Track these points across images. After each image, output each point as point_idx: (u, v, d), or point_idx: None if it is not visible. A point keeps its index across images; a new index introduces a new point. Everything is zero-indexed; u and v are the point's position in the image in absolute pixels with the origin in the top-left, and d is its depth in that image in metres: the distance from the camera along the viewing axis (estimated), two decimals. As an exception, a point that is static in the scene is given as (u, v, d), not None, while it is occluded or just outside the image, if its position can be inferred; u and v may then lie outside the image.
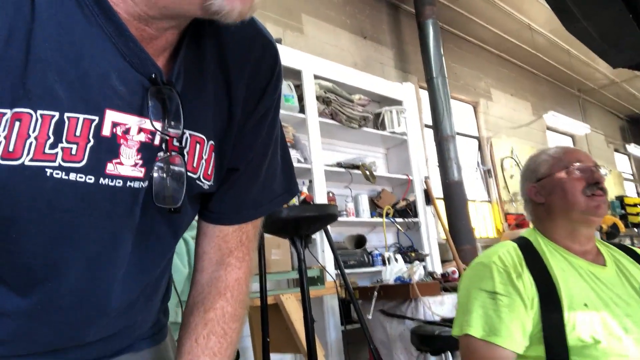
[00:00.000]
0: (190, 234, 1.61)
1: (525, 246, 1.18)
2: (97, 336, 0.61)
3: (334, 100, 3.30)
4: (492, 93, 6.36)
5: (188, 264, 1.74)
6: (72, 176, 0.49)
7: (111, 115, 0.51)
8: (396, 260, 3.00)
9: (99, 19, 0.49)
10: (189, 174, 0.59)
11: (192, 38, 0.58)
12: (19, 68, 0.46)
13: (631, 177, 9.59)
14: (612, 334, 1.03)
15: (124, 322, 0.64)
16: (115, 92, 0.51)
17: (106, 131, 0.51)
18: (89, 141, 0.49)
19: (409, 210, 3.60)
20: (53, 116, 0.47)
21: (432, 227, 3.66)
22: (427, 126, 4.81)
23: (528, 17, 5.73)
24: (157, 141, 0.55)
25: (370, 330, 2.17)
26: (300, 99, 3.14)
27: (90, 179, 0.50)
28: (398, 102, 3.80)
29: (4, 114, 0.45)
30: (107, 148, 0.51)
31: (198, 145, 0.60)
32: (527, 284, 1.08)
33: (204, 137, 0.61)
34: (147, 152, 0.54)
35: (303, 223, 1.82)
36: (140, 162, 0.54)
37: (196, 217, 0.72)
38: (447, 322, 2.29)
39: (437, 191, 4.24)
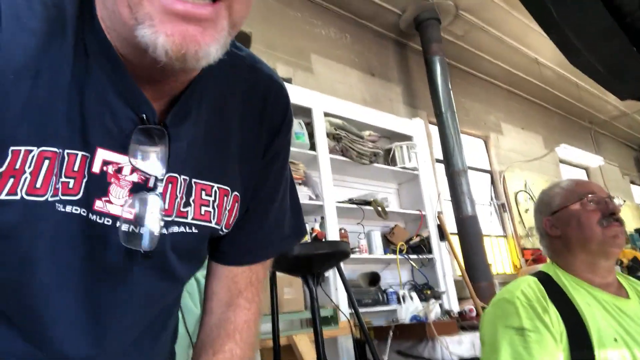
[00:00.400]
0: (202, 273, 1.59)
1: (546, 280, 1.15)
2: None
3: (344, 137, 3.32)
4: (502, 127, 6.36)
5: (200, 303, 1.71)
6: (69, 208, 0.50)
7: (102, 154, 0.51)
8: (411, 298, 2.92)
9: (99, 58, 0.51)
10: (214, 226, 0.60)
11: (204, 87, 0.58)
12: (42, 107, 0.47)
13: (649, 209, 9.39)
14: None
15: None
16: (108, 131, 0.52)
17: (96, 168, 0.51)
18: (85, 177, 0.50)
19: (423, 247, 3.54)
20: (59, 153, 0.49)
21: (447, 264, 3.58)
22: (438, 161, 4.80)
23: (534, 51, 5.78)
24: (151, 183, 0.55)
25: (386, 373, 2.09)
26: (311, 136, 3.16)
27: (84, 212, 0.51)
28: (408, 138, 3.81)
29: (31, 151, 0.47)
30: (97, 185, 0.51)
31: (225, 198, 0.61)
32: (554, 319, 1.05)
33: (229, 189, 0.62)
34: (140, 193, 0.54)
35: (315, 261, 1.79)
36: (131, 202, 0.54)
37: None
38: (467, 362, 2.20)
39: (451, 226, 4.18)
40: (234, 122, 0.62)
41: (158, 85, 0.54)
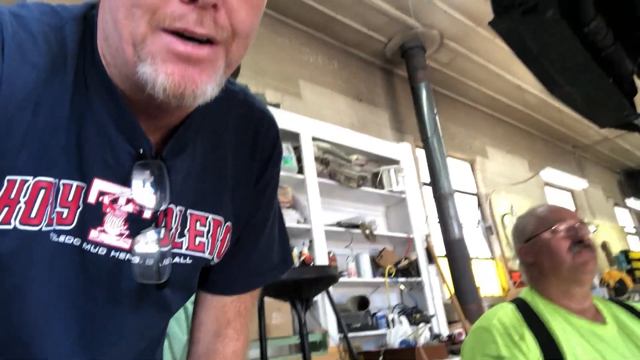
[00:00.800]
0: (189, 300, 1.58)
1: (524, 307, 1.16)
2: None
3: (332, 161, 3.35)
4: (487, 151, 6.46)
5: (187, 330, 1.69)
6: (62, 238, 0.50)
7: (98, 184, 0.52)
8: (401, 322, 2.91)
9: (99, 90, 0.52)
10: (208, 256, 0.61)
11: (199, 120, 0.60)
12: (41, 138, 0.49)
13: (634, 231, 9.52)
14: None
15: None
16: (106, 162, 0.53)
17: (91, 199, 0.52)
18: (79, 207, 0.51)
19: (412, 270, 3.54)
20: (55, 183, 0.49)
21: (436, 287, 3.59)
22: (425, 184, 4.84)
23: (517, 77, 5.93)
24: (147, 214, 0.55)
25: (376, 398, 2.07)
26: (299, 160, 3.19)
27: (77, 241, 0.51)
28: (395, 162, 3.85)
29: (26, 181, 0.47)
30: (92, 215, 0.52)
31: (219, 229, 0.62)
32: (531, 345, 1.05)
33: (222, 220, 0.63)
34: (135, 224, 0.55)
35: (303, 285, 1.79)
36: (127, 232, 0.54)
37: None
38: (456, 387, 2.18)
39: (439, 249, 4.20)
40: (228, 153, 0.64)
41: (154, 119, 0.55)
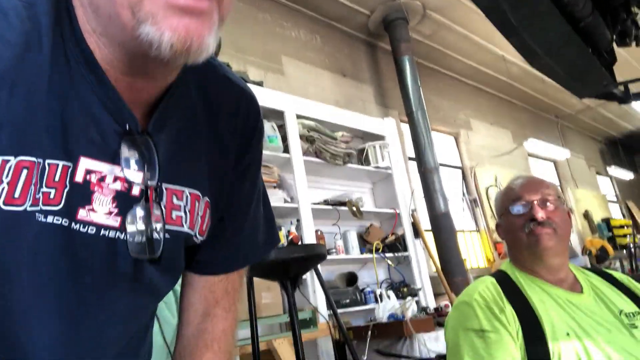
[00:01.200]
0: (179, 283, 1.57)
1: (504, 280, 1.19)
2: None
3: (317, 139, 3.33)
4: (471, 123, 6.48)
5: (178, 314, 1.69)
6: (50, 218, 0.50)
7: (85, 163, 0.52)
8: (388, 297, 2.96)
9: (81, 68, 0.51)
10: (188, 231, 0.60)
11: (178, 94, 0.59)
12: (20, 117, 0.48)
13: (615, 199, 9.73)
14: None
15: None
16: (91, 140, 0.52)
17: (79, 177, 0.51)
18: (66, 186, 0.51)
19: (399, 245, 3.59)
20: (39, 163, 0.49)
21: (422, 261, 3.64)
22: (410, 159, 4.86)
23: (501, 48, 5.92)
24: (135, 191, 0.55)
25: (366, 372, 2.11)
26: (284, 138, 3.16)
27: (65, 221, 0.51)
28: (380, 137, 3.85)
29: (8, 161, 0.47)
30: (80, 194, 0.51)
31: (197, 203, 0.61)
32: (510, 317, 1.09)
33: (200, 194, 0.62)
34: (123, 201, 0.54)
35: (292, 265, 1.80)
36: (116, 210, 0.54)
37: None
38: (443, 358, 2.24)
39: (425, 223, 4.24)
40: (204, 128, 0.63)
41: (138, 93, 0.54)
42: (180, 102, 0.59)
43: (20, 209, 0.48)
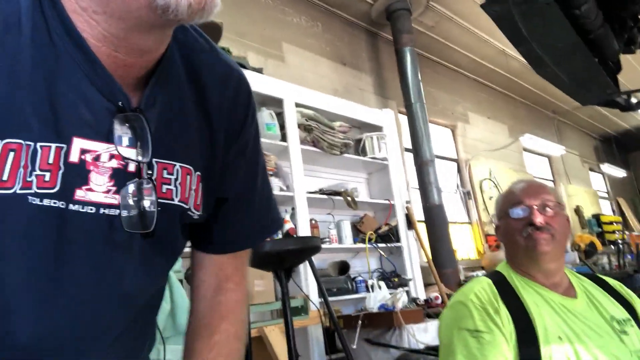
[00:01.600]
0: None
1: (500, 281, 1.21)
2: None
3: (315, 128, 3.34)
4: (469, 116, 6.49)
5: (170, 299, 1.71)
6: (46, 202, 0.50)
7: (79, 143, 0.52)
8: (379, 287, 3.00)
9: (68, 48, 0.51)
10: (179, 204, 0.60)
11: (167, 70, 0.59)
12: (2, 100, 0.47)
13: (606, 195, 9.82)
14: None
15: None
16: (84, 120, 0.52)
17: (74, 158, 0.51)
18: (60, 168, 0.50)
19: (392, 235, 3.62)
20: (30, 146, 0.49)
21: (414, 252, 3.68)
22: (407, 150, 4.88)
23: (502, 42, 5.90)
24: (131, 168, 0.55)
25: (355, 361, 2.16)
26: (282, 127, 3.16)
27: (62, 204, 0.51)
28: (378, 128, 3.85)
29: None
30: (76, 174, 0.51)
31: (188, 177, 0.61)
32: (505, 319, 1.10)
33: (191, 168, 0.62)
34: (120, 178, 0.55)
35: (286, 256, 1.82)
36: (114, 188, 0.54)
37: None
38: (431, 350, 2.29)
39: (419, 214, 4.28)
40: (192, 103, 0.63)
41: (129, 69, 0.54)
42: (169, 77, 0.60)
43: (9, 192, 0.48)
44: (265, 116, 3.05)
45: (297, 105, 3.28)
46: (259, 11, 4.09)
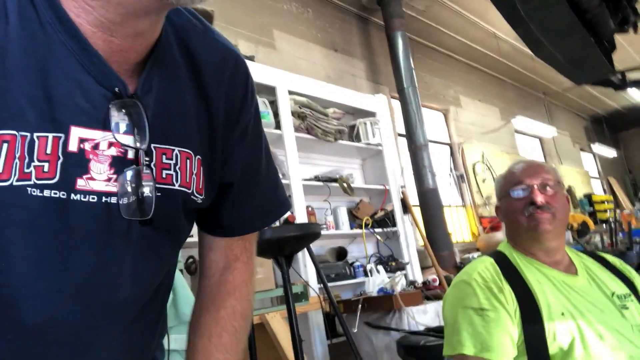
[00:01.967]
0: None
1: (502, 261, 1.23)
2: None
3: (309, 115, 3.33)
4: (461, 100, 6.51)
5: (172, 289, 1.72)
6: (47, 193, 0.49)
7: (77, 132, 0.51)
8: (378, 271, 3.03)
9: (61, 36, 0.50)
10: (180, 189, 0.60)
11: (163, 55, 0.59)
12: None
13: (597, 175, 9.92)
14: (588, 342, 1.07)
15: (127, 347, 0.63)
16: (80, 108, 0.51)
17: (73, 147, 0.51)
18: (59, 158, 0.50)
19: (388, 220, 3.65)
20: (26, 136, 0.48)
21: (410, 236, 3.72)
22: (400, 135, 4.89)
23: (493, 25, 5.91)
24: (130, 155, 0.55)
25: (356, 343, 2.19)
26: (276, 115, 3.16)
27: (63, 194, 0.50)
28: (371, 114, 3.86)
29: None
30: (76, 164, 0.51)
31: (188, 161, 0.61)
32: (508, 297, 1.12)
33: (191, 153, 0.62)
34: (120, 166, 0.54)
35: (287, 243, 1.83)
36: (114, 176, 0.54)
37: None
38: (431, 331, 2.32)
39: (414, 199, 4.31)
40: (189, 87, 0.62)
41: (125, 54, 0.54)
42: (165, 62, 0.59)
43: (6, 184, 0.47)
44: (259, 104, 3.04)
45: (290, 92, 3.27)
46: (248, -2, 4.05)
